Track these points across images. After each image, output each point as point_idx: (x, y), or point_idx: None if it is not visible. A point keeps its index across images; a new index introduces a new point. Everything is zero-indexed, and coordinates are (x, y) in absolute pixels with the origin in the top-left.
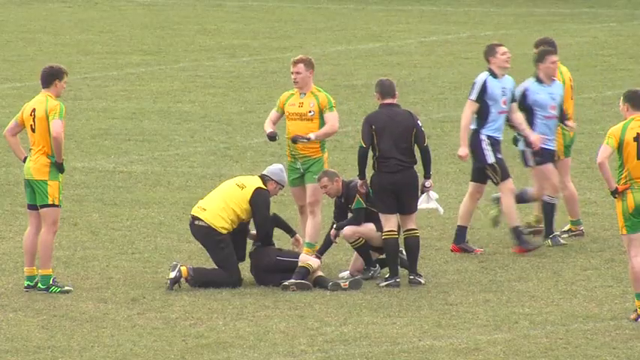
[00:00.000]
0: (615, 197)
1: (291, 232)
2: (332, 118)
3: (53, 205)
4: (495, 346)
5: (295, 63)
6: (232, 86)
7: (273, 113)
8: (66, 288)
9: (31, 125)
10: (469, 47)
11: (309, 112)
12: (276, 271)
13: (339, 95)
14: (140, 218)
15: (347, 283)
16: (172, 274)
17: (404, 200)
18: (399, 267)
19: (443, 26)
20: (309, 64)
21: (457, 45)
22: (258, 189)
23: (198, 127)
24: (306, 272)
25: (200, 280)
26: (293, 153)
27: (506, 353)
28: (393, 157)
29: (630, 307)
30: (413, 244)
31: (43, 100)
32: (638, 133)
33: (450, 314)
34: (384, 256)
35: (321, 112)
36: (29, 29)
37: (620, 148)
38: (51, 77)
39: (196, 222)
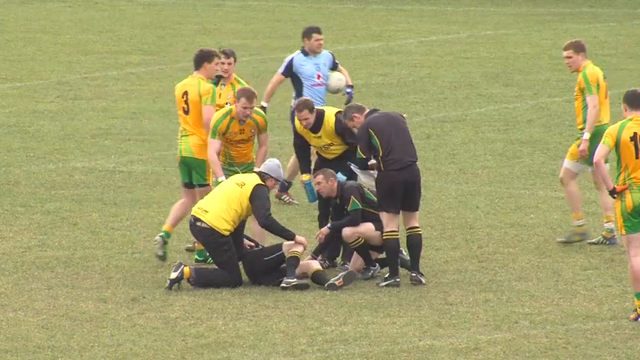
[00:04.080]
0: (614, 197)
1: (288, 236)
2: (265, 140)
3: (208, 185)
4: (495, 345)
5: (248, 107)
6: None
7: (216, 143)
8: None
9: (184, 108)
10: (469, 47)
11: (251, 136)
12: (270, 270)
13: (340, 95)
14: (140, 218)
15: (341, 280)
16: (174, 275)
17: (409, 197)
18: (399, 267)
19: (443, 26)
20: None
21: (457, 45)
22: (257, 185)
23: None
24: (297, 261)
25: (201, 280)
26: (230, 161)
27: (506, 353)
28: (399, 154)
29: (630, 307)
30: (415, 241)
31: (195, 83)
32: (635, 133)
33: (450, 314)
34: (383, 255)
35: (259, 132)
36: (29, 29)
37: (617, 147)
38: (200, 60)
39: (198, 223)
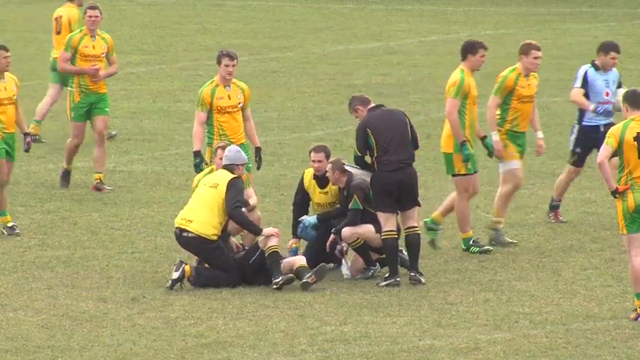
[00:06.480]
0: (615, 197)
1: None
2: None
3: (459, 175)
4: (495, 345)
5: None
6: None
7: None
8: (485, 247)
9: None
10: None
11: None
12: (259, 269)
13: (339, 95)
14: (140, 218)
15: (313, 276)
16: (175, 275)
17: (405, 198)
18: (398, 266)
19: (443, 26)
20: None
21: (457, 45)
22: (230, 180)
23: None
24: (277, 255)
25: (201, 280)
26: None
27: (506, 353)
28: (394, 156)
29: (630, 307)
30: (414, 241)
31: (453, 74)
32: (638, 133)
33: (450, 314)
34: (383, 255)
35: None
36: (29, 29)
37: (620, 147)
38: (464, 51)
39: (184, 234)
